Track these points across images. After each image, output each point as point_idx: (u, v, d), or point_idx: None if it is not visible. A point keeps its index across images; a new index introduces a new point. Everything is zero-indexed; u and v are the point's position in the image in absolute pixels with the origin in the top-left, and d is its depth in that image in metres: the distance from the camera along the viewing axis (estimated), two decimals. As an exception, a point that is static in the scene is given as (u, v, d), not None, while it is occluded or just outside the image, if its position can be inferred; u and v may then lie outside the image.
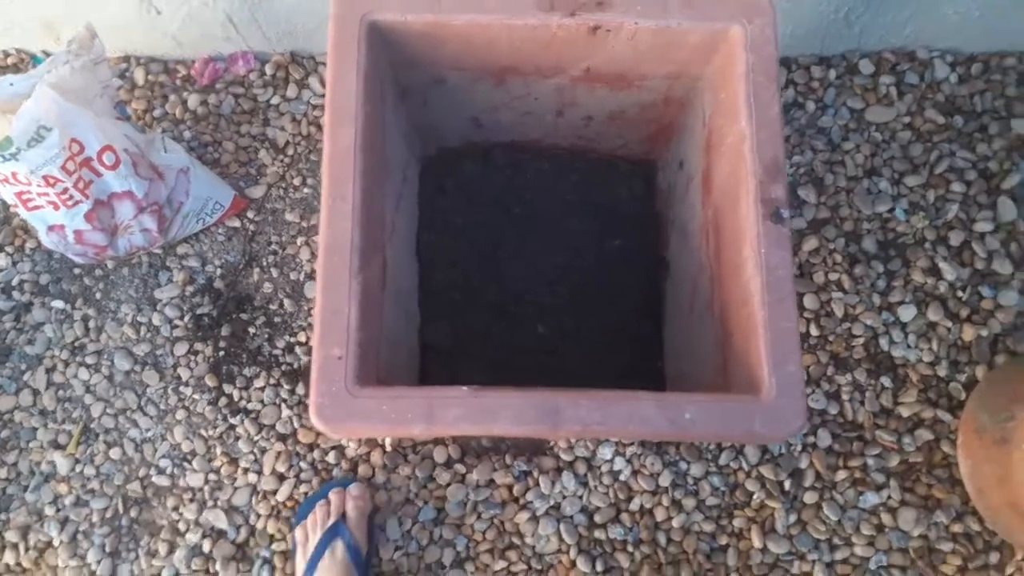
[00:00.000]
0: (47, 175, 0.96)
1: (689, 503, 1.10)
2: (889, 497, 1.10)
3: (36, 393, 1.15)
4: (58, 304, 1.17)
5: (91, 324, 1.17)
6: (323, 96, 1.24)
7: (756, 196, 0.67)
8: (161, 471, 1.12)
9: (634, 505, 1.10)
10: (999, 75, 1.26)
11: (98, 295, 1.18)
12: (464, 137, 0.96)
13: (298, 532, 1.05)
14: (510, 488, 1.10)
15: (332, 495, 1.05)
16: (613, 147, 0.98)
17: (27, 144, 0.92)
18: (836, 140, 1.24)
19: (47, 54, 1.29)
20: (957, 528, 1.09)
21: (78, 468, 1.12)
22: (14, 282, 1.19)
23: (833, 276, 1.18)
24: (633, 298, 1.00)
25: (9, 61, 1.29)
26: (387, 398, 0.63)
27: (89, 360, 1.15)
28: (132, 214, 1.08)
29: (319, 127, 1.25)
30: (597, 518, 1.09)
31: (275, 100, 1.26)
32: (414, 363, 0.91)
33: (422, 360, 0.93)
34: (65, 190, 0.99)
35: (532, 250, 0.99)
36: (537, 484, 1.10)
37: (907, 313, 1.16)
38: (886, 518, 1.09)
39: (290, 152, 1.24)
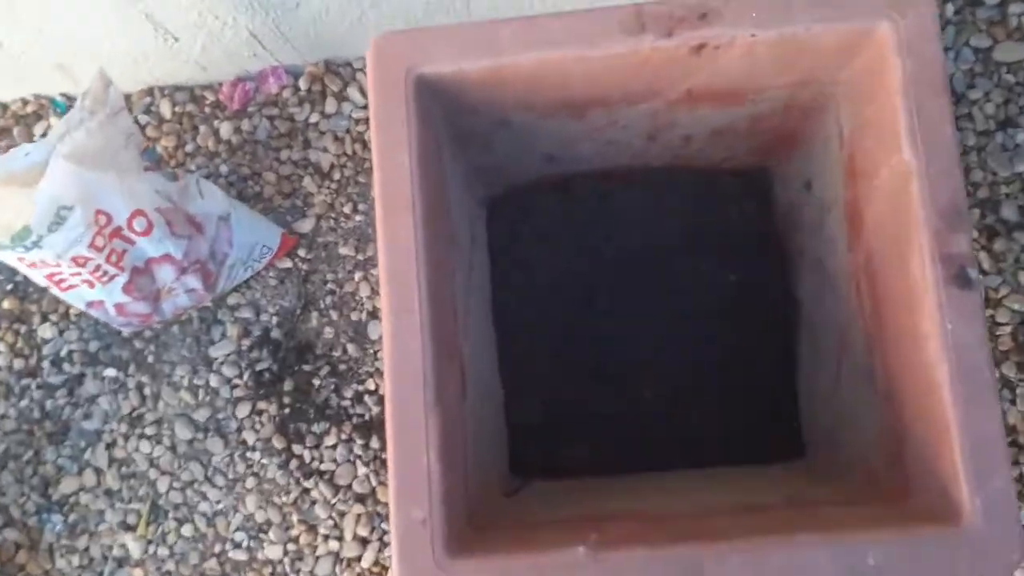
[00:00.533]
0: (75, 256, 0.87)
1: None
2: (1056, 513, 0.96)
3: (99, 472, 1.08)
4: (111, 372, 1.10)
5: (147, 391, 1.09)
6: (364, 107, 1.13)
7: (932, 252, 0.52)
8: (237, 545, 1.05)
9: None
10: None
11: (150, 358, 1.10)
12: (536, 172, 0.82)
13: None
14: None
15: None
16: (715, 160, 0.82)
17: (48, 229, 0.83)
18: (960, 89, 1.05)
19: (67, 97, 1.19)
20: None
21: (151, 549, 1.05)
22: (63, 353, 1.11)
23: (969, 257, 1.02)
24: (760, 347, 0.84)
25: (29, 109, 1.20)
26: (487, 571, 0.51)
27: (149, 431, 1.08)
28: (174, 276, 0.98)
29: (364, 144, 1.13)
30: None
31: (314, 118, 1.14)
32: (502, 451, 0.79)
33: (512, 442, 0.81)
34: (98, 267, 0.90)
35: (630, 297, 0.84)
36: None
37: (1060, 292, 0.99)
38: (1056, 540, 0.95)
39: (336, 176, 1.12)
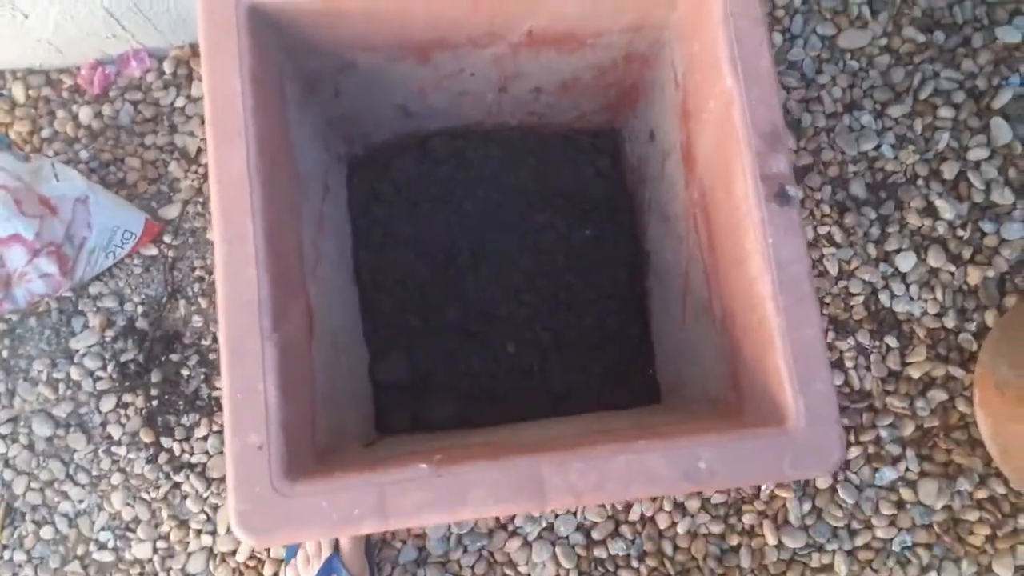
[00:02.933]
0: (-94, 235, 0.81)
1: (693, 504, 1.00)
2: (907, 469, 1.02)
3: (-54, 476, 1.00)
4: (-41, 370, 1.03)
5: (0, 388, 1.02)
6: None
7: (754, 172, 0.55)
8: (102, 546, 1.00)
9: (633, 515, 1.00)
10: (978, -21, 1.15)
11: (4, 353, 1.04)
12: (393, 129, 0.82)
13: (288, 572, 0.95)
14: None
15: None
16: (569, 120, 0.84)
17: None
18: (809, 74, 1.12)
19: (-96, 80, 1.12)
20: (982, 494, 1.01)
21: (7, 555, 0.99)
22: (-96, 350, 1.03)
23: (823, 230, 1.07)
24: (614, 297, 0.87)
25: None
26: (327, 492, 0.50)
27: (3, 430, 1.02)
28: (25, 260, 0.93)
29: (233, 129, 1.09)
30: (595, 535, 0.99)
31: (180, 102, 1.11)
32: (367, 411, 0.78)
33: (379, 402, 0.80)
34: (-68, 247, 0.84)
35: (492, 254, 0.84)
36: (498, 516, 0.98)
37: (906, 262, 1.06)
38: (906, 493, 1.01)
39: (204, 161, 1.09)
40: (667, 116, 0.70)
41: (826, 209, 1.08)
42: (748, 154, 0.55)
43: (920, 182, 1.08)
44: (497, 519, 0.98)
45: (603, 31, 0.67)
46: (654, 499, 0.99)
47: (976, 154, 1.08)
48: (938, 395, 1.02)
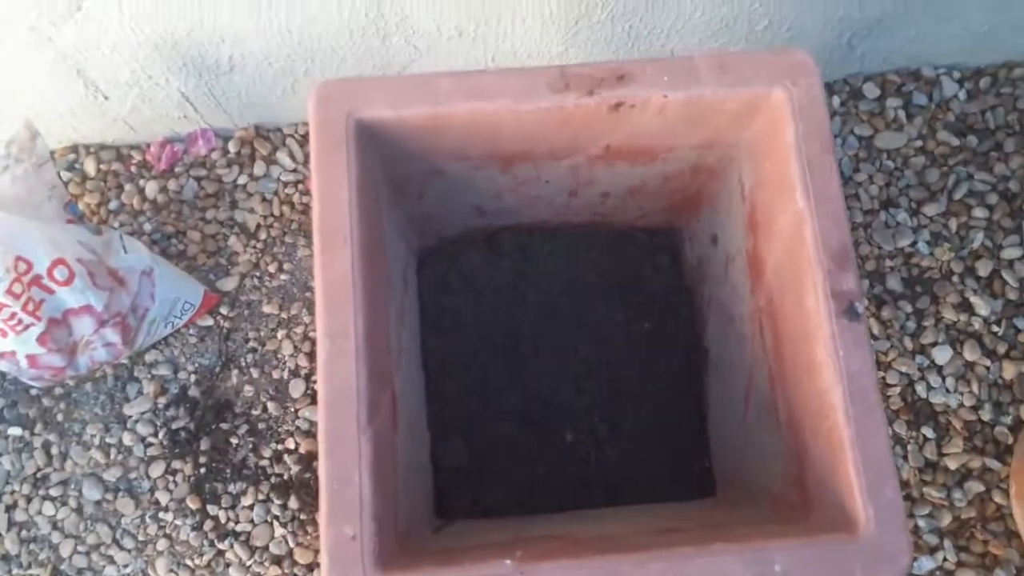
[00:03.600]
0: (-11, 302, 0.85)
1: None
2: (945, 559, 1.02)
3: (-3, 536, 1.02)
4: (15, 432, 1.06)
5: (53, 451, 1.05)
6: (294, 171, 1.16)
7: (825, 289, 0.58)
8: (145, 612, 1.00)
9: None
10: (1009, 87, 1.19)
11: (59, 417, 1.06)
12: (465, 225, 0.86)
13: None
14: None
15: None
16: (631, 219, 0.88)
17: (-38, 272, 0.81)
18: (847, 172, 1.16)
19: (-15, 151, 1.17)
20: (1022, 586, 1.01)
21: (51, 618, 0.99)
22: (-37, 410, 1.06)
23: (860, 322, 1.10)
24: (671, 391, 0.89)
25: (-57, 162, 1.17)
26: (416, 584, 0.52)
27: (54, 492, 1.04)
28: (92, 329, 0.97)
29: (292, 206, 1.14)
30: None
31: (242, 180, 1.16)
32: (428, 491, 0.80)
33: (437, 484, 0.82)
34: (12, 315, 0.88)
35: (553, 345, 0.88)
36: None
37: (942, 355, 1.08)
38: (946, 585, 1.01)
39: (262, 236, 1.13)
40: (732, 224, 0.74)
41: (864, 302, 1.11)
42: (819, 271, 0.58)
43: (955, 278, 1.11)
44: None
45: (676, 147, 0.71)
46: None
47: (1009, 253, 1.11)
48: (975, 486, 1.03)
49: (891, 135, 1.17)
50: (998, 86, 1.20)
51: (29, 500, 1.03)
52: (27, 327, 0.90)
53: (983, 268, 1.11)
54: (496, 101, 0.62)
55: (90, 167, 1.16)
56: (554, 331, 0.89)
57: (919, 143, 1.17)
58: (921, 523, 1.03)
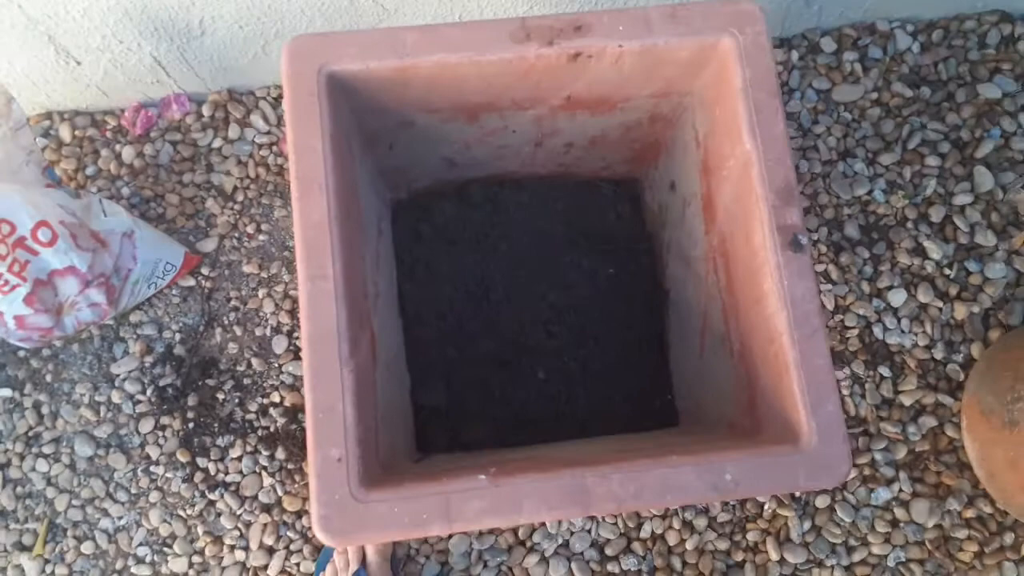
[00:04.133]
0: (-25, 264, 0.87)
1: (700, 523, 1.06)
2: (900, 490, 1.08)
3: (-8, 493, 1.05)
4: (5, 392, 1.08)
5: (44, 410, 1.08)
6: (268, 133, 1.18)
7: (771, 224, 0.62)
8: (140, 560, 1.04)
9: (645, 532, 1.06)
10: (960, 40, 1.23)
11: (48, 377, 1.09)
12: (436, 177, 0.90)
13: None
14: (515, 532, 1.05)
15: None
16: (595, 169, 0.92)
17: (-52, 235, 0.83)
18: (806, 124, 1.20)
19: (-41, 119, 1.18)
20: (970, 513, 1.07)
21: (48, 569, 1.04)
22: (-47, 374, 1.09)
23: (819, 267, 1.15)
24: (635, 331, 0.94)
25: (-83, 131, 1.18)
26: (398, 499, 0.56)
27: (47, 450, 1.07)
28: (77, 290, 0.99)
29: (268, 168, 1.17)
30: (608, 551, 1.05)
31: (217, 143, 1.18)
32: (409, 429, 0.85)
33: (418, 423, 0.87)
34: (-2, 276, 0.90)
35: (523, 290, 0.93)
36: (543, 524, 1.04)
37: (897, 298, 1.13)
38: (899, 512, 1.07)
39: (240, 198, 1.16)
40: (688, 170, 0.78)
41: (823, 248, 1.16)
42: (765, 208, 0.62)
43: (910, 224, 1.16)
44: (516, 536, 1.04)
45: (633, 96, 0.75)
46: (664, 517, 1.06)
47: (961, 199, 1.16)
48: (928, 421, 1.09)
49: (848, 88, 1.21)
50: (950, 38, 1.24)
51: (22, 458, 1.07)
52: (13, 288, 0.93)
53: (936, 214, 1.16)
54: (460, 52, 0.65)
55: (65, 133, 1.17)
56: (524, 278, 0.93)
57: (875, 95, 1.21)
58: (878, 456, 1.09)
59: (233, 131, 1.18)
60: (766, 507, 1.07)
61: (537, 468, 0.58)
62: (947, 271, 1.14)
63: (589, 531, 1.05)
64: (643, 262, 0.95)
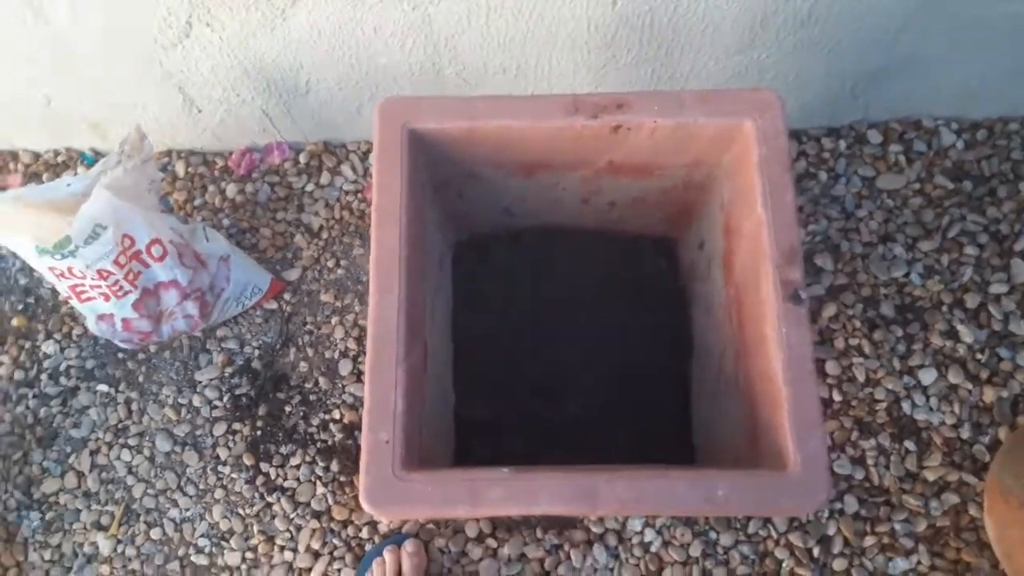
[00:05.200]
0: (101, 269, 1.02)
1: (720, 573, 1.11)
2: (919, 562, 1.10)
3: (80, 475, 1.19)
4: (103, 388, 1.22)
5: (134, 407, 1.21)
6: (354, 182, 1.32)
7: (775, 279, 0.72)
8: (200, 550, 1.14)
9: (665, 576, 1.11)
10: (1004, 140, 1.29)
11: (141, 378, 1.23)
12: (495, 224, 1.02)
13: None
14: (542, 562, 1.12)
15: (387, 553, 1.07)
16: (636, 227, 1.03)
17: (84, 242, 0.98)
18: (850, 208, 1.27)
19: (95, 152, 1.37)
20: (990, 592, 1.09)
21: (120, 549, 1.15)
22: (61, 367, 1.24)
23: (853, 341, 1.20)
24: (662, 373, 1.04)
25: (59, 159, 1.37)
26: (432, 481, 0.66)
27: (132, 442, 1.19)
28: (176, 301, 1.13)
29: (351, 211, 1.30)
30: (630, 589, 1.10)
31: (309, 187, 1.32)
32: (450, 442, 0.95)
33: (460, 438, 0.97)
34: (116, 282, 1.05)
35: (564, 328, 1.04)
36: (568, 558, 1.11)
37: (928, 376, 1.17)
38: (918, 584, 1.10)
39: (324, 236, 1.29)
40: (714, 231, 0.89)
41: (857, 324, 1.21)
42: (771, 265, 0.72)
43: (944, 308, 1.21)
44: (542, 567, 1.11)
45: (667, 166, 0.86)
46: (685, 564, 1.11)
47: (996, 288, 1.20)
48: (951, 498, 1.12)
49: (892, 177, 1.28)
50: (994, 138, 1.30)
51: (110, 447, 1.20)
52: (126, 293, 1.07)
53: (971, 300, 1.21)
54: (521, 120, 0.77)
55: (180, 169, 1.34)
56: (565, 318, 1.04)
57: (917, 185, 1.28)
58: (898, 527, 1.12)
59: (324, 178, 1.33)
60: (784, 565, 1.11)
61: (555, 470, 0.67)
62: (979, 355, 1.18)
63: (611, 569, 1.11)
64: (675, 313, 1.05)
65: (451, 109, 0.78)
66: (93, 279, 1.03)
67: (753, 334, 0.76)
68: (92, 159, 1.37)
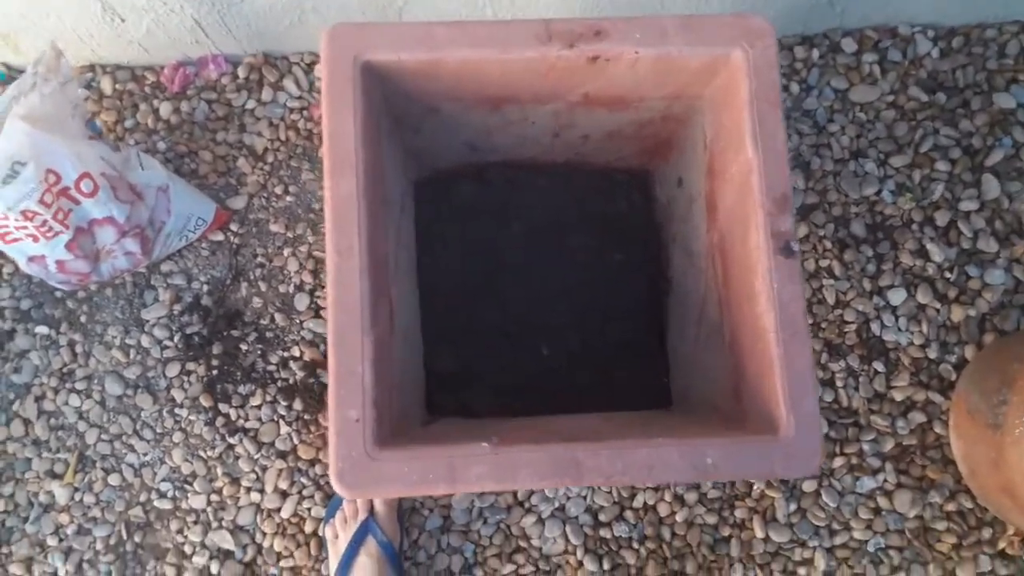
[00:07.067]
0: (25, 210, 0.93)
1: (691, 497, 1.12)
2: (885, 480, 1.13)
3: (27, 423, 1.13)
4: (42, 330, 1.15)
5: (78, 349, 1.15)
6: (299, 98, 1.22)
7: (766, 229, 0.67)
8: (162, 495, 1.11)
9: (637, 502, 1.12)
10: (980, 47, 1.25)
11: (83, 318, 1.15)
12: (458, 159, 0.94)
13: (327, 531, 1.06)
14: (514, 493, 1.11)
15: None
16: (609, 160, 0.97)
17: (2, 182, 0.88)
18: (821, 122, 1.23)
19: (7, 67, 1.23)
20: (951, 507, 1.12)
21: (77, 496, 1.11)
22: (-6, 309, 1.15)
23: (824, 263, 1.18)
24: (636, 314, 1.00)
25: (-32, 75, 1.23)
26: (408, 459, 0.62)
27: (79, 386, 1.13)
28: (114, 239, 1.05)
29: (298, 131, 1.21)
30: (602, 517, 1.11)
31: (250, 104, 1.22)
32: (420, 393, 0.91)
33: (428, 387, 0.93)
34: (44, 222, 0.96)
35: (533, 268, 0.98)
36: (541, 488, 1.11)
37: (897, 296, 1.17)
38: (883, 501, 1.12)
39: (269, 159, 1.20)
40: (695, 169, 0.83)
41: (828, 244, 1.19)
42: (762, 214, 0.67)
43: (915, 227, 1.19)
44: (515, 497, 1.11)
45: (646, 98, 0.79)
46: (657, 489, 1.11)
47: (967, 205, 1.19)
48: (917, 417, 1.13)
49: (865, 88, 1.23)
50: (970, 45, 1.25)
51: (56, 392, 1.13)
52: (56, 234, 0.98)
53: (941, 218, 1.19)
54: (486, 50, 0.69)
55: (107, 86, 1.22)
56: (535, 257, 0.98)
57: (891, 98, 1.23)
58: (866, 447, 1.13)
59: (266, 94, 1.22)
60: (755, 487, 1.12)
61: (535, 440, 0.63)
62: (948, 274, 1.18)
63: (584, 497, 1.11)
64: (649, 251, 1.00)
65: (408, 38, 0.69)
66: (17, 220, 0.94)
67: (740, 286, 0.72)
68: (4, 75, 1.23)
